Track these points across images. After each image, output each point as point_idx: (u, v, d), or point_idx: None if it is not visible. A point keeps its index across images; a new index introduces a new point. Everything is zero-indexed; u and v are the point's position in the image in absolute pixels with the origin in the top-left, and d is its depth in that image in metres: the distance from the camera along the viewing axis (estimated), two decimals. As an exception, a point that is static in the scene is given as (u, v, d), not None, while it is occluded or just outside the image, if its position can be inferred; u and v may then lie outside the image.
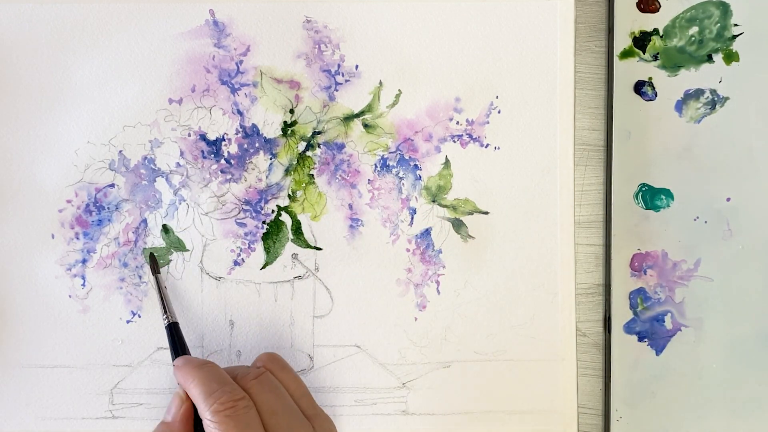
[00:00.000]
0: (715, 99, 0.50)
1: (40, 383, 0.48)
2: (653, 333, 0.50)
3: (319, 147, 0.49)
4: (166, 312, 0.46)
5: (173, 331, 0.45)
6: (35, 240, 0.48)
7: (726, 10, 0.50)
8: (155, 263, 0.48)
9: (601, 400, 0.51)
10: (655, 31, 0.50)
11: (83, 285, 0.48)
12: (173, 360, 0.44)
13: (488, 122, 0.49)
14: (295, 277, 0.49)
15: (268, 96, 0.48)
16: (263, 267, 0.49)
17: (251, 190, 0.49)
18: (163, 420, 0.41)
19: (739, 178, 0.50)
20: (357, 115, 0.49)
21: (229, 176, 0.48)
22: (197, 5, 0.48)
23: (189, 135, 0.48)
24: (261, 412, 0.40)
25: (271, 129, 0.48)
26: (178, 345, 0.44)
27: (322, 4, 0.48)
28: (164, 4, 0.48)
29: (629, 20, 0.50)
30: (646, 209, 0.50)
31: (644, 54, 0.50)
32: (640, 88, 0.50)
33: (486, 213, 0.49)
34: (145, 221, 0.48)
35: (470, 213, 0.49)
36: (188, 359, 0.43)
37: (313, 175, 0.49)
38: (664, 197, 0.50)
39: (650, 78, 0.50)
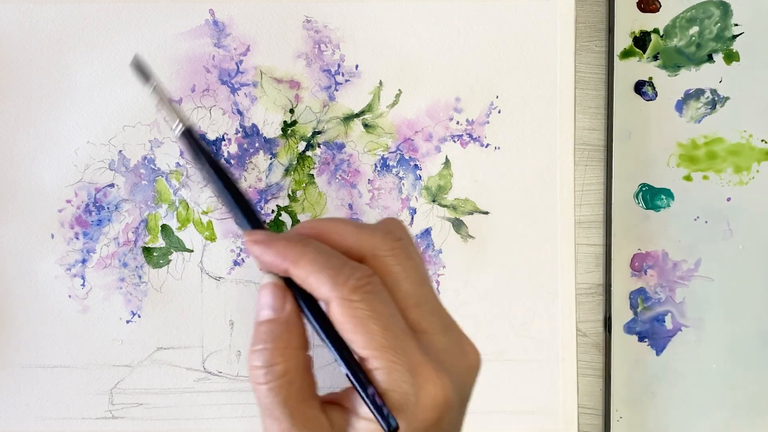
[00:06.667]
0: (716, 99, 0.50)
1: (40, 383, 0.48)
2: (653, 333, 0.50)
3: (319, 147, 0.49)
4: (177, 119, 0.34)
5: (191, 138, 0.34)
6: (35, 240, 0.48)
7: (726, 10, 0.50)
8: (143, 69, 0.35)
9: (601, 400, 0.51)
10: (656, 31, 0.50)
11: (83, 285, 0.48)
12: (195, 161, 0.33)
13: (488, 122, 0.49)
14: (295, 277, 0.49)
15: (268, 96, 0.48)
16: (263, 267, 0.49)
17: (251, 190, 0.48)
18: (264, 319, 0.32)
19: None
20: (357, 115, 0.49)
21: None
22: (197, 5, 0.48)
23: (189, 135, 0.48)
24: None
25: (271, 129, 0.48)
26: (198, 150, 0.33)
27: (322, 4, 0.48)
28: (164, 4, 0.48)
29: (629, 20, 0.50)
30: (647, 209, 0.50)
31: (644, 54, 0.50)
32: (640, 88, 0.50)
33: (486, 213, 0.49)
34: (145, 221, 0.48)
35: (470, 213, 0.49)
36: (270, 234, 0.32)
37: (313, 175, 0.49)
38: (664, 197, 0.50)
39: (650, 78, 0.50)
